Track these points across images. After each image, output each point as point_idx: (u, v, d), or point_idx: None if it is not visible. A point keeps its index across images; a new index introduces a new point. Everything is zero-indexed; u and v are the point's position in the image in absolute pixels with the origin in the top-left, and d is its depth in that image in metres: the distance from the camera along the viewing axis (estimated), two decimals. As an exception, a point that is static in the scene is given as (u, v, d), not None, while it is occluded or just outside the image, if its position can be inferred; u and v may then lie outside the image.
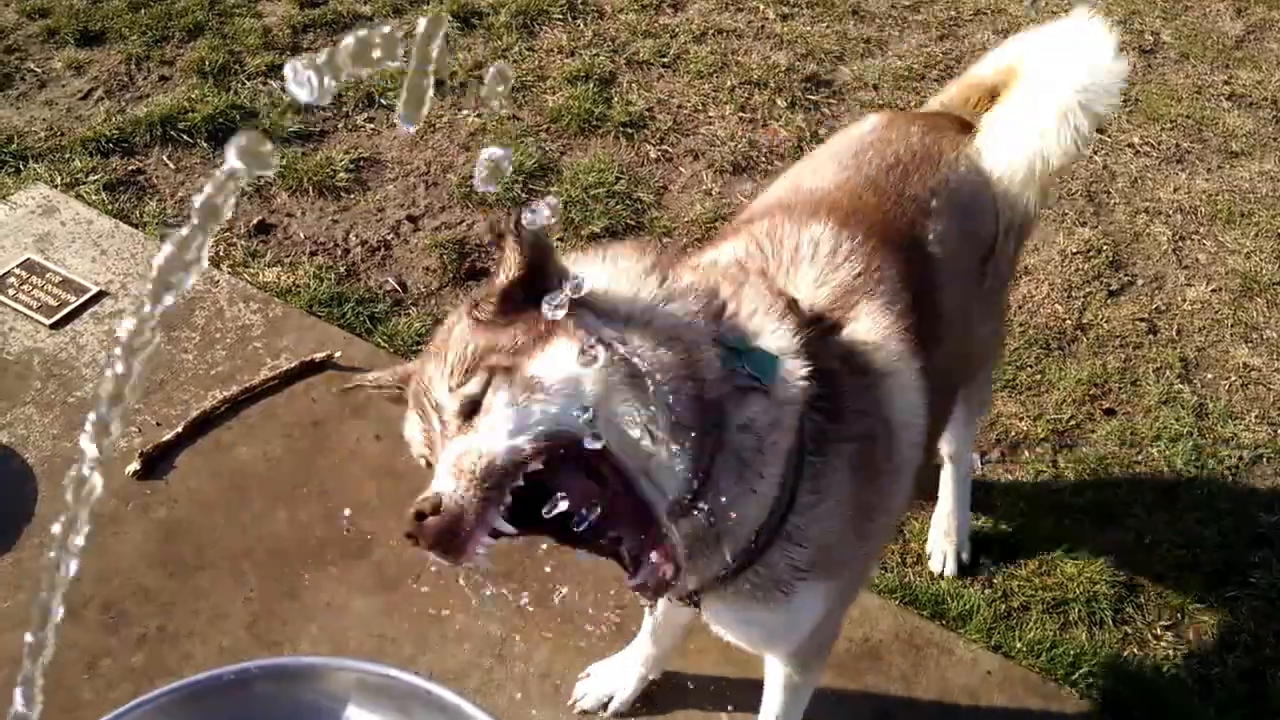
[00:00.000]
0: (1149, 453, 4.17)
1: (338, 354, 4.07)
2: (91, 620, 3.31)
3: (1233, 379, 4.48)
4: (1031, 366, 4.44)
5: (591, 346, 1.80)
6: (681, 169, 5.23)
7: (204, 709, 1.37)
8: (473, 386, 1.85)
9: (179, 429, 3.79)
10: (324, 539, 3.60)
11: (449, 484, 1.75)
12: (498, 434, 1.78)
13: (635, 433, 1.83)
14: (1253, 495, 4.08)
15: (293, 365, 4.03)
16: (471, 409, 1.85)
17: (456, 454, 1.79)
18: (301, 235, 4.72)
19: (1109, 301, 4.75)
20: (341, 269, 4.59)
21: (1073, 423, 4.25)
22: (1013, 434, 4.19)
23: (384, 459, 3.82)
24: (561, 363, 1.83)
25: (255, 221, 4.75)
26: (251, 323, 4.20)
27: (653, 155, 5.27)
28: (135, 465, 3.67)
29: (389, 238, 4.75)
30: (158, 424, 3.83)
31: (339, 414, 3.94)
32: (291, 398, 3.99)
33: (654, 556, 1.78)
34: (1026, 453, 4.14)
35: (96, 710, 3.20)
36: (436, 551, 1.75)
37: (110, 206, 4.72)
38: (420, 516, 1.73)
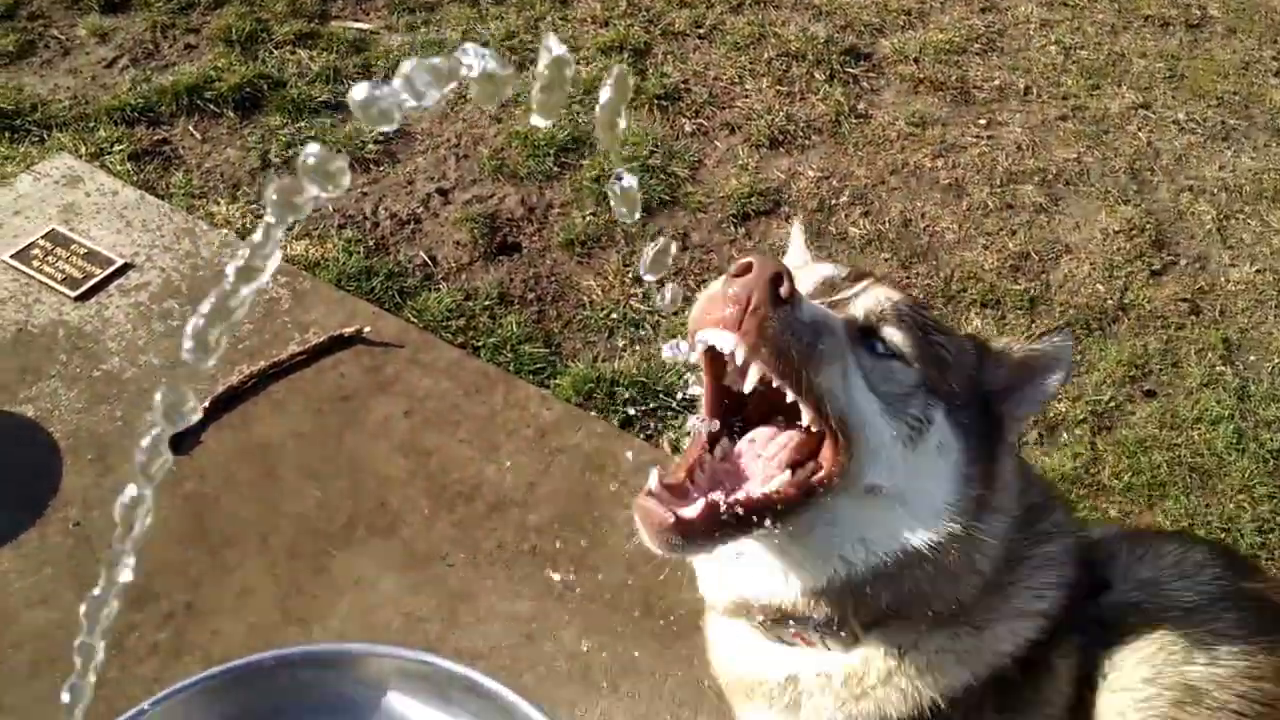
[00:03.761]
0: (1189, 435, 4.10)
1: (367, 329, 4.02)
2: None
3: (1276, 361, 4.40)
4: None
5: None
6: (717, 143, 5.15)
7: (245, 694, 1.33)
8: None
9: (206, 404, 3.74)
10: (352, 516, 3.56)
11: None
12: None
13: None
14: (1294, 479, 4.01)
15: (321, 340, 3.98)
16: None
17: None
18: (330, 208, 4.67)
19: (1151, 281, 4.65)
20: (370, 242, 4.54)
21: (1112, 404, 4.18)
22: (1051, 415, 4.12)
23: (412, 436, 3.77)
24: None
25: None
26: (279, 296, 4.15)
27: (688, 128, 5.19)
28: (162, 439, 3.62)
29: (419, 211, 4.70)
30: (184, 398, 3.79)
31: (367, 390, 3.89)
32: (320, 373, 3.94)
33: None
34: (1065, 434, 4.07)
35: (123, 687, 3.18)
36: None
37: (136, 177, 4.67)
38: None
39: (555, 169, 4.87)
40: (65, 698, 1.06)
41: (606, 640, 3.31)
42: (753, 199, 4.81)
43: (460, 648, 3.26)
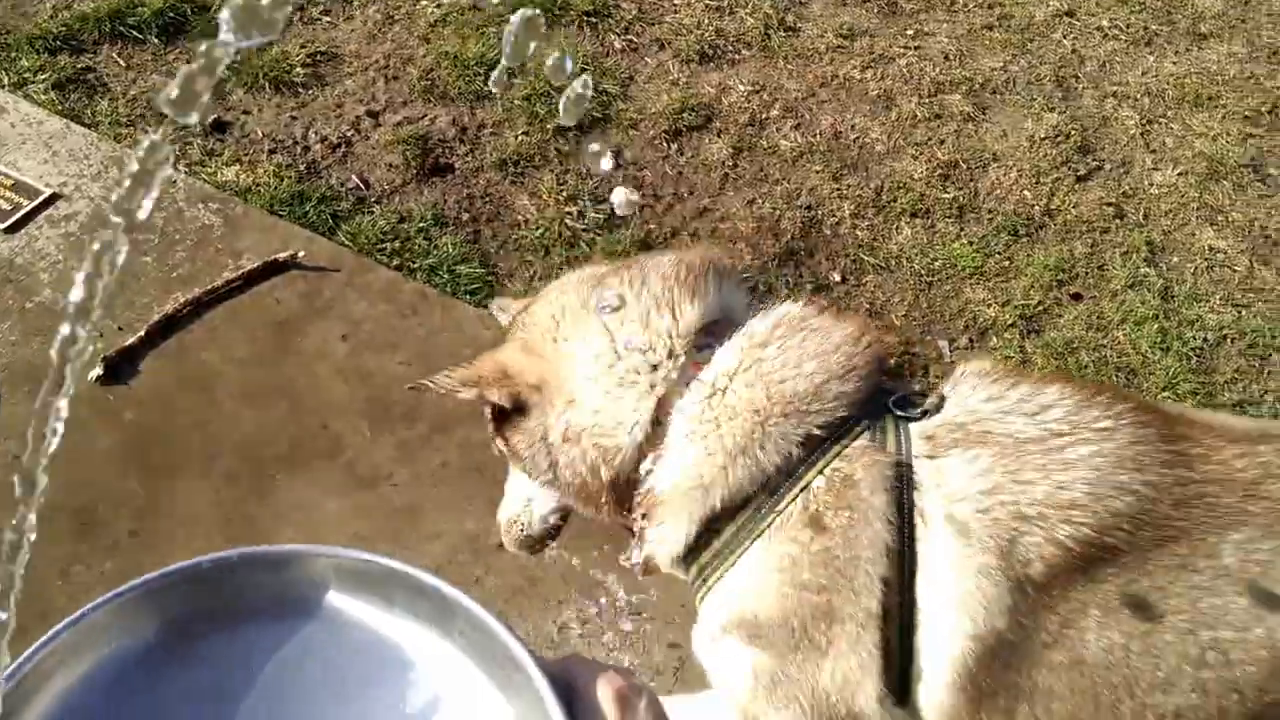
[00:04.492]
0: (1115, 336, 4.20)
1: (301, 253, 4.01)
2: (62, 527, 3.29)
3: (1198, 261, 4.50)
4: (999, 253, 4.44)
5: None
6: (647, 59, 5.13)
7: (184, 596, 1.35)
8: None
9: (141, 333, 3.74)
10: (294, 440, 3.58)
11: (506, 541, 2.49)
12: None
13: None
14: (1216, 376, 4.13)
15: (255, 265, 3.97)
16: None
17: (507, 519, 2.46)
18: (260, 133, 4.62)
19: (1076, 186, 4.74)
20: (302, 167, 4.50)
21: (1040, 308, 4.27)
22: (980, 320, 4.20)
23: (351, 359, 3.79)
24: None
25: (211, 119, 4.63)
26: (211, 223, 4.13)
27: (617, 45, 5.17)
28: (98, 370, 3.62)
29: (349, 134, 4.66)
30: (119, 328, 3.78)
31: (304, 315, 3.89)
32: (255, 299, 3.94)
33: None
34: (994, 339, 4.16)
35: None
36: None
37: (60, 106, 4.59)
38: None
39: (486, 89, 4.84)
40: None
41: (555, 552, 3.37)
42: (684, 114, 4.81)
43: (408, 564, 3.31)
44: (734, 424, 1.90)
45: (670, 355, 1.96)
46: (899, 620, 1.89)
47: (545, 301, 2.20)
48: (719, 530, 1.95)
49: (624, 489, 2.02)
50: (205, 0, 5.13)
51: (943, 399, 1.96)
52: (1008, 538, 1.82)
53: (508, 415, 2.15)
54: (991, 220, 4.55)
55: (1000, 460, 1.86)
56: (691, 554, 2.00)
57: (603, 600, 3.29)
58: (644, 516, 2.01)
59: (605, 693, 1.22)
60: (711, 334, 2.00)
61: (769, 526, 1.90)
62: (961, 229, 4.52)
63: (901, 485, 1.87)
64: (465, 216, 4.38)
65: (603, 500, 2.06)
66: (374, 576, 1.37)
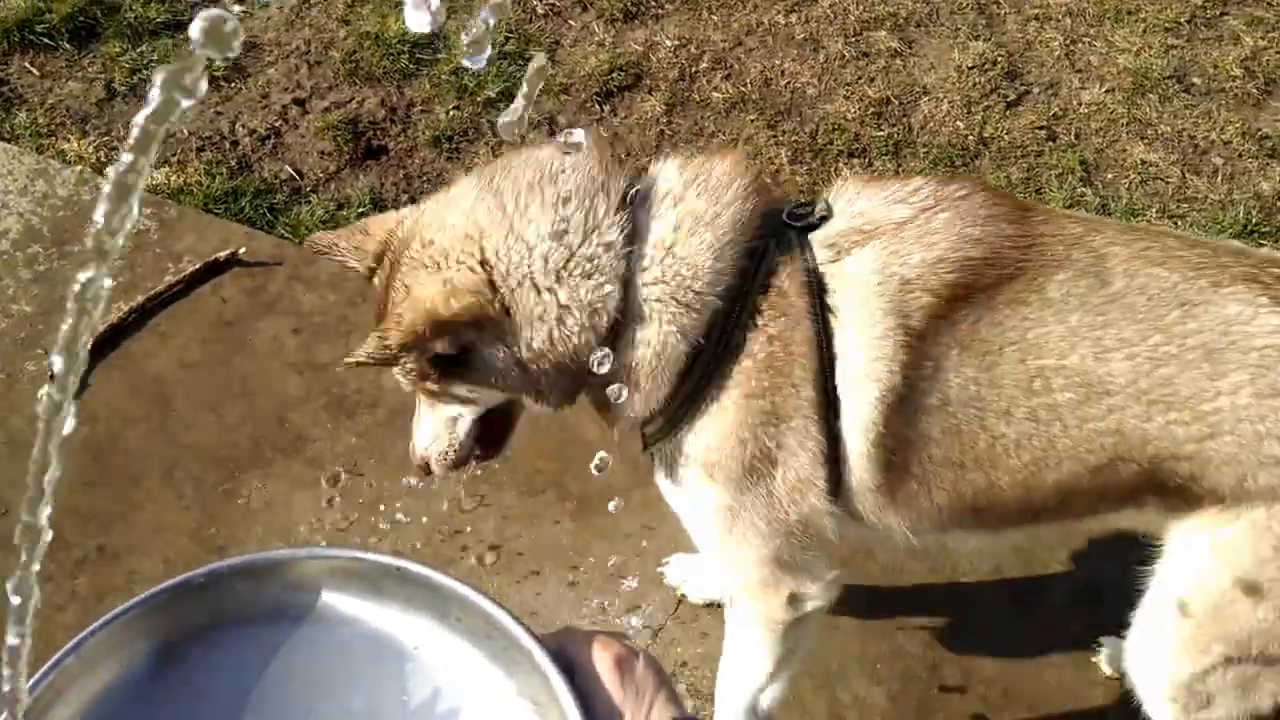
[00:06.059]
0: (1059, 259, 4.24)
1: (241, 250, 3.96)
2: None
3: (1132, 177, 4.54)
4: (939, 186, 4.46)
5: None
6: (571, 22, 5.09)
7: (180, 612, 1.35)
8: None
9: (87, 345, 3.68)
10: (254, 439, 3.56)
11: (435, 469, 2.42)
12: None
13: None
14: (1160, 289, 4.17)
15: (197, 266, 3.92)
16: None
17: (436, 450, 2.39)
18: (185, 131, 4.55)
19: (1008, 113, 4.76)
20: (233, 162, 4.44)
21: (983, 237, 4.29)
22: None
23: (303, 352, 3.76)
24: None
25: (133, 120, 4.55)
26: (147, 228, 4.07)
27: (540, 10, 5.12)
28: (48, 389, 3.56)
29: (278, 124, 4.60)
30: (65, 342, 3.72)
31: (252, 312, 3.86)
32: (200, 300, 3.89)
33: None
34: (942, 272, 4.18)
35: (46, 638, 3.16)
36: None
37: (-23, 122, 4.51)
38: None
39: (411, 66, 4.79)
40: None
41: (524, 528, 3.38)
42: (614, 75, 4.79)
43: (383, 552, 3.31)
44: (685, 279, 2.13)
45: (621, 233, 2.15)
46: (827, 413, 2.16)
47: (446, 221, 2.27)
48: (691, 372, 2.16)
49: (582, 374, 2.17)
50: (114, 1, 5.02)
51: (829, 206, 2.22)
52: (897, 301, 2.11)
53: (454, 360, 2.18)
54: (928, 154, 4.57)
55: (887, 243, 2.15)
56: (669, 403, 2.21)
57: (585, 572, 3.30)
58: (631, 385, 2.18)
59: (603, 660, 1.25)
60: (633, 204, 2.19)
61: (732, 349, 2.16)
62: (899, 165, 4.54)
63: (814, 289, 2.14)
64: (404, 197, 4.35)
65: (564, 387, 2.21)
66: (364, 572, 1.37)
